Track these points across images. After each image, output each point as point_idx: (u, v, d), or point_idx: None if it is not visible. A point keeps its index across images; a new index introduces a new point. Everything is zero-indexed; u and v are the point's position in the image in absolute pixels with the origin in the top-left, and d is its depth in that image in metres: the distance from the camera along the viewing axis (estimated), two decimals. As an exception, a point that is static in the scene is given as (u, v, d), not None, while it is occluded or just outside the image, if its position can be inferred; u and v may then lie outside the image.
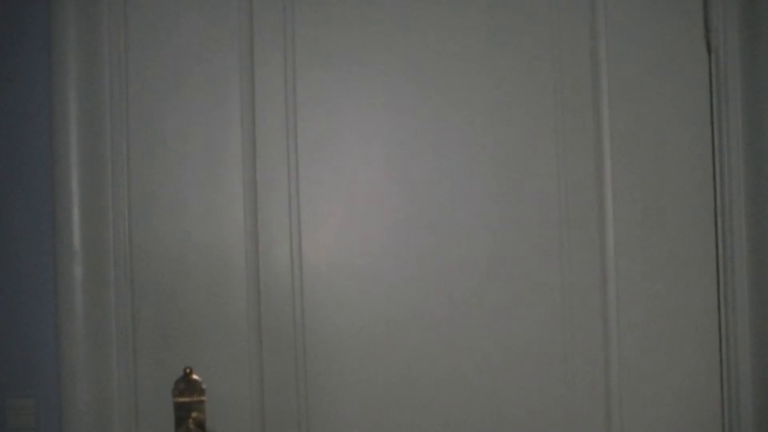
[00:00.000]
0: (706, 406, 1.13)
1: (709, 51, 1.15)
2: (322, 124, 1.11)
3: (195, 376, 1.20)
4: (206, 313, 1.21)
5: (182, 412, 1.21)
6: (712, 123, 1.16)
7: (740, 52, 1.14)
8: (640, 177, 1.14)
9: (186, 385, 1.22)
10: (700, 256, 1.15)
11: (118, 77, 1.31)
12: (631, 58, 1.15)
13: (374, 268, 1.13)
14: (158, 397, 1.27)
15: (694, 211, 1.15)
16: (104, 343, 1.28)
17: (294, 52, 1.08)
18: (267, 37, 1.13)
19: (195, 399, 1.21)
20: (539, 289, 1.14)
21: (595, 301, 1.14)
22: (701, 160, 1.16)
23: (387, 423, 1.13)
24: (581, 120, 1.15)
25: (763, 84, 1.14)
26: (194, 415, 1.20)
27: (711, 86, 1.16)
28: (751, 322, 1.13)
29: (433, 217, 1.12)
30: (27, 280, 1.33)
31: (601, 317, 1.14)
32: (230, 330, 1.20)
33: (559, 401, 1.13)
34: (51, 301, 1.30)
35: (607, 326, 1.14)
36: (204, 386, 1.20)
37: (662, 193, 1.15)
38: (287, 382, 1.15)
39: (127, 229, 1.31)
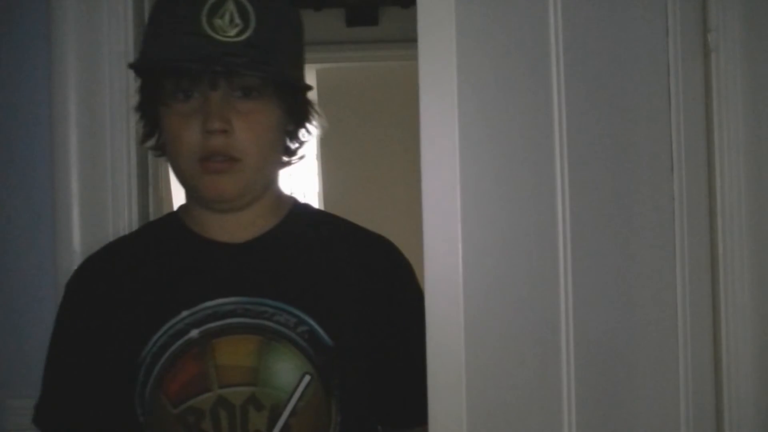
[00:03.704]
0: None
1: (709, 51, 1.15)
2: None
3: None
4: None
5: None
6: (711, 122, 1.16)
7: (740, 52, 1.15)
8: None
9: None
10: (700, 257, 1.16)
11: (118, 77, 1.31)
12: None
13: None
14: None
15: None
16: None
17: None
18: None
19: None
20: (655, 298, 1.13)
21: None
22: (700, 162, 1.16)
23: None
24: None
25: (763, 84, 1.14)
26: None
27: (711, 86, 1.16)
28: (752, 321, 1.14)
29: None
30: (27, 280, 1.33)
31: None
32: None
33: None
34: (51, 301, 1.30)
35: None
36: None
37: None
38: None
39: (127, 230, 1.31)
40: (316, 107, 1.12)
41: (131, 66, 1.11)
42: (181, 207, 1.15)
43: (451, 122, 1.03)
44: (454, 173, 1.03)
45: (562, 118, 1.08)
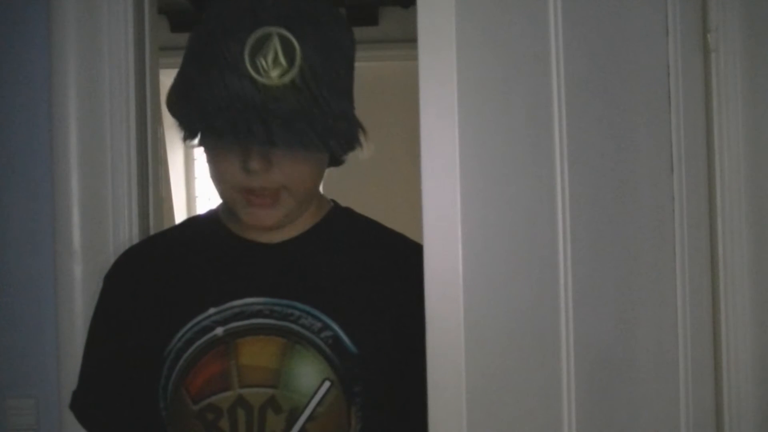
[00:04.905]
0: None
1: (709, 51, 1.15)
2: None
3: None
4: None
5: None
6: (711, 122, 1.16)
7: (740, 52, 1.15)
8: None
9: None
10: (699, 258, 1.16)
11: (118, 77, 1.31)
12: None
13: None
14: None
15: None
16: (104, 343, 1.28)
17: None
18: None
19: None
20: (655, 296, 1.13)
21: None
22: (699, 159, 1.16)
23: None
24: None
25: (763, 84, 1.14)
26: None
27: (711, 86, 1.16)
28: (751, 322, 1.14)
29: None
30: (27, 280, 1.33)
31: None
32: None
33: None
34: (51, 301, 1.31)
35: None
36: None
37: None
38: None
39: (127, 229, 1.31)
40: (363, 126, 1.05)
41: (173, 103, 1.02)
42: (222, 204, 1.14)
43: (451, 122, 1.03)
44: (454, 173, 1.03)
45: (561, 117, 1.08)
